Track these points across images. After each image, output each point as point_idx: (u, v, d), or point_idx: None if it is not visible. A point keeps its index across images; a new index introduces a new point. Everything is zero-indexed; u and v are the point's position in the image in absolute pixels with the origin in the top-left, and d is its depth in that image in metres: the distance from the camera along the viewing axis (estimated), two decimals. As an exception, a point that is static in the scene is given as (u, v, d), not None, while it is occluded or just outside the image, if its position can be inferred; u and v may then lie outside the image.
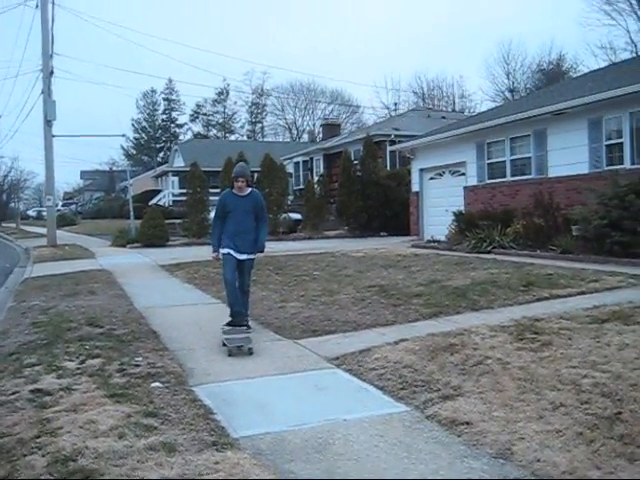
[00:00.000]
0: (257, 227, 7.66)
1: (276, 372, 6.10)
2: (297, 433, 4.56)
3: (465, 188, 19.22)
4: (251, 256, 7.70)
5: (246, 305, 7.79)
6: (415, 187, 21.81)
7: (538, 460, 3.87)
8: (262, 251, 7.78)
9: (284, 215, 25.90)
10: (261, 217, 7.74)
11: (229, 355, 6.73)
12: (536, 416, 4.47)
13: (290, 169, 36.89)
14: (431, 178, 21.18)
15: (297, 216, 26.71)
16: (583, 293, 8.68)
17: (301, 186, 33.73)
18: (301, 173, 38.21)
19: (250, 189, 7.75)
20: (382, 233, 24.20)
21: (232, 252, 7.53)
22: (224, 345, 6.97)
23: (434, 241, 18.70)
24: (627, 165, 14.09)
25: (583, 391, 4.81)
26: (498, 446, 4.13)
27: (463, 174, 19.47)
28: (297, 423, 4.75)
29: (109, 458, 3.99)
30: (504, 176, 17.81)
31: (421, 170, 21.49)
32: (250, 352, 6.80)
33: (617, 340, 6.00)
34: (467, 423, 4.50)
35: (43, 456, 4.05)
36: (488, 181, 18.40)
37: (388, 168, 28.21)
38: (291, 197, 31.46)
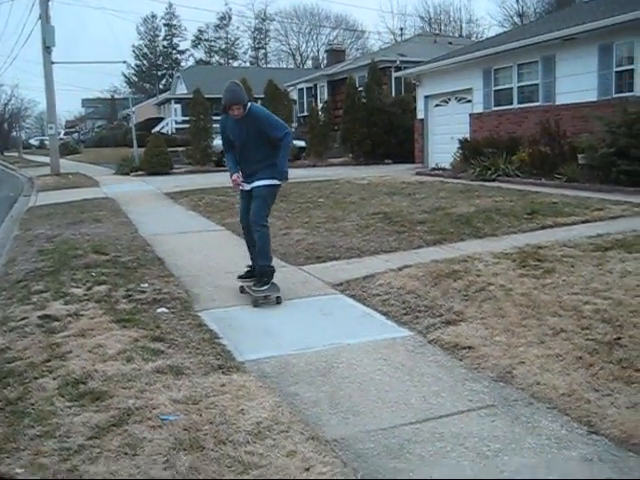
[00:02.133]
0: (275, 149, 6.16)
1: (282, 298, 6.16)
2: (301, 357, 4.65)
3: (471, 115, 18.99)
4: (261, 182, 6.19)
5: (255, 254, 6.43)
6: (420, 114, 21.54)
7: (538, 383, 3.96)
8: (284, 177, 6.23)
9: (289, 143, 25.67)
10: (275, 134, 6.12)
11: (255, 306, 5.97)
12: (537, 341, 4.54)
13: (294, 96, 36.40)
14: (437, 105, 20.90)
15: (301, 143, 26.47)
16: (587, 221, 8.67)
17: (305, 113, 33.35)
18: (305, 100, 37.68)
19: (248, 107, 6.10)
20: (387, 161, 24.02)
21: (244, 184, 6.35)
22: (242, 291, 6.36)
23: (439, 169, 18.59)
24: (637, 92, 13.85)
25: (584, 317, 4.86)
26: (499, 370, 4.21)
27: (469, 101, 19.21)
28: (302, 347, 4.83)
29: (118, 381, 4.08)
30: (511, 103, 17.57)
31: (426, 97, 21.19)
32: (278, 301, 6.04)
33: (619, 268, 6.03)
34: (469, 347, 4.57)
35: (54, 379, 4.14)
36: (494, 108, 18.16)
37: (393, 95, 27.78)
38: (295, 124, 31.16)
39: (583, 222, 8.62)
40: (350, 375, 4.31)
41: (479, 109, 18.67)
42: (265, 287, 6.10)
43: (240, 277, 6.54)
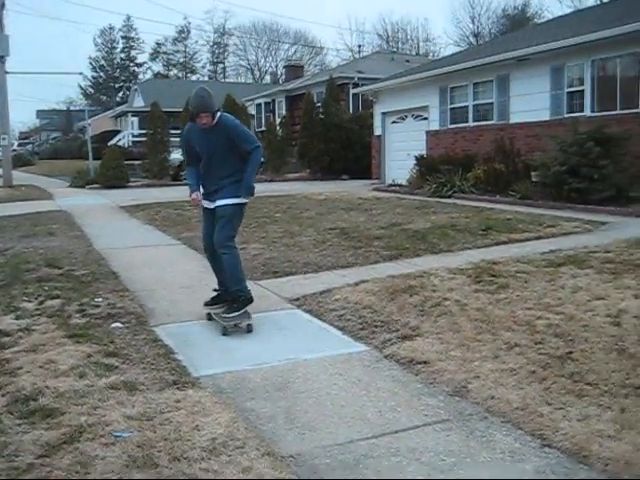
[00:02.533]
0: (243, 163, 5.64)
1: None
2: (258, 372, 4.62)
3: (427, 132, 19.22)
4: (226, 201, 5.63)
5: (223, 277, 5.89)
6: (377, 131, 21.73)
7: (492, 397, 4.00)
8: (250, 193, 5.69)
9: (246, 157, 25.64)
10: (245, 146, 5.63)
11: (223, 334, 5.49)
12: (491, 355, 4.60)
13: (252, 111, 36.36)
14: (393, 122, 21.11)
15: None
16: (540, 238, 8.83)
17: (263, 128, 33.30)
18: (263, 115, 37.67)
19: (218, 116, 5.59)
20: (344, 176, 24.16)
21: (205, 202, 5.86)
22: (209, 319, 5.85)
23: (395, 185, 18.76)
24: (587, 113, 14.21)
25: (537, 332, 4.94)
26: (454, 384, 4.25)
27: (425, 118, 19.44)
28: (258, 362, 4.81)
29: (70, 397, 4.00)
30: (466, 121, 17.84)
31: (384, 114, 21.38)
32: (249, 329, 5.57)
33: (571, 283, 6.15)
34: (425, 362, 4.60)
35: (3, 396, 4.04)
36: (450, 126, 18.42)
37: (351, 111, 27.99)
38: (253, 139, 31.04)
39: (536, 238, 8.78)
40: (306, 390, 4.30)
41: (435, 126, 18.91)
42: (235, 314, 5.57)
43: (207, 304, 5.95)
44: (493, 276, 6.54)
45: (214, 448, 3.42)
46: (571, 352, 4.49)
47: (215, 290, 6.03)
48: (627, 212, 10.97)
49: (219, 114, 5.61)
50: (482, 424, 3.74)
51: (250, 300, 5.72)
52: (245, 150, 5.65)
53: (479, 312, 5.48)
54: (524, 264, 7.02)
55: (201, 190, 5.85)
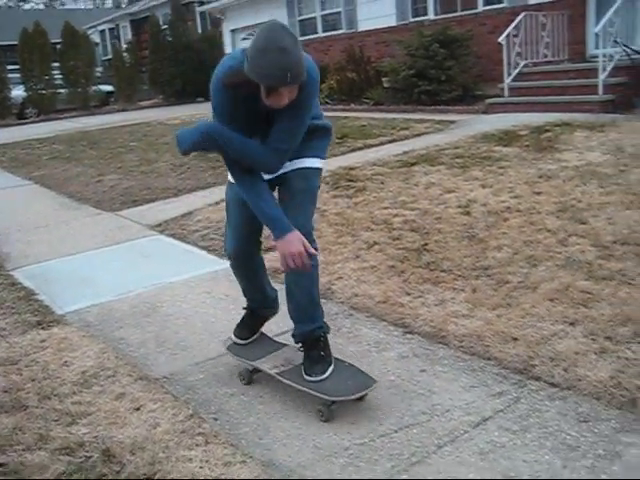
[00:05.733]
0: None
1: (98, 246, 5.96)
2: (124, 301, 4.56)
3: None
4: (306, 163, 3.02)
5: (265, 295, 3.55)
6: (228, 49, 21.24)
7: (356, 295, 4.16)
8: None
9: (94, 88, 24.46)
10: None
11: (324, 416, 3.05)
12: (353, 256, 4.75)
13: (96, 38, 34.43)
14: (244, 39, 20.65)
15: (108, 88, 25.29)
16: (394, 141, 9.06)
17: (109, 56, 31.73)
18: (108, 42, 35.81)
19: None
20: (199, 99, 23.53)
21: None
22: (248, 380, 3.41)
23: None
24: (431, 16, 14.49)
25: (394, 229, 5.15)
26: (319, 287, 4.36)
27: (275, 32, 19.13)
28: (123, 292, 4.73)
29: None
30: (316, 32, 17.75)
31: (232, 31, 20.91)
32: (361, 397, 3.03)
33: (424, 180, 6.40)
34: (289, 270, 4.68)
35: None
36: (301, 38, 18.19)
37: (200, 31, 27.11)
38: (100, 68, 29.57)
39: (390, 142, 9.01)
40: (175, 312, 4.30)
41: (289, 39, 18.68)
42: (325, 375, 3.05)
43: (240, 337, 3.53)
44: (350, 181, 6.69)
45: (85, 381, 3.38)
46: (426, 244, 4.72)
47: (245, 309, 3.61)
48: (473, 110, 11.42)
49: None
50: (348, 321, 3.89)
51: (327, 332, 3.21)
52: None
53: (339, 216, 5.62)
54: (380, 167, 7.21)
55: None
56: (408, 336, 3.62)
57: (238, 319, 4.06)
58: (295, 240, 2.80)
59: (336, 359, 3.14)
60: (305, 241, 2.83)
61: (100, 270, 5.34)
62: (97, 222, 6.81)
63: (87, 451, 2.80)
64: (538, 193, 5.59)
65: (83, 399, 3.21)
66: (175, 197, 7.43)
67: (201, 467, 2.65)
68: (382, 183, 6.50)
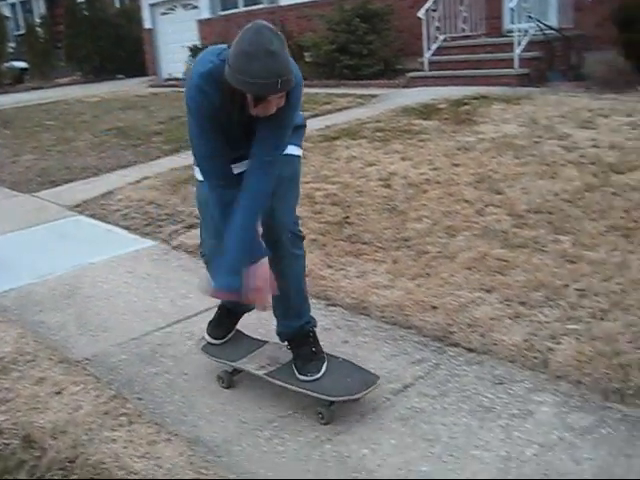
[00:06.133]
0: None
1: (15, 228, 5.77)
2: (44, 284, 4.45)
3: (199, 21, 18.63)
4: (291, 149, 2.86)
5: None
6: (147, 24, 20.69)
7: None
8: None
9: (7, 64, 23.52)
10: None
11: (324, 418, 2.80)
12: (275, 232, 4.76)
13: (6, 12, 33.05)
14: (163, 13, 20.18)
15: (22, 64, 24.33)
16: (317, 115, 9.06)
17: (22, 31, 30.52)
18: (20, 16, 34.40)
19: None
20: (119, 75, 22.94)
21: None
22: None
23: (173, 79, 18.18)
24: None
25: (316, 203, 5.17)
26: (242, 264, 4.36)
27: (196, 7, 18.78)
28: (42, 274, 4.62)
29: None
30: (236, 7, 17.48)
31: (152, 5, 20.33)
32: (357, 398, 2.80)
33: (346, 154, 6.45)
34: (212, 247, 4.66)
35: None
36: (221, 13, 17.97)
37: (118, 5, 26.34)
38: (12, 44, 28.42)
39: (313, 116, 8.98)
40: (96, 293, 4.23)
41: (206, 15, 18.35)
42: (320, 374, 2.85)
43: (216, 336, 3.23)
44: (273, 157, 6.66)
45: (3, 367, 3.31)
46: (348, 217, 4.77)
47: (220, 308, 3.28)
48: (395, 84, 11.51)
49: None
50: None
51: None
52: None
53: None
54: (302, 142, 7.21)
55: None
56: (330, 308, 3.67)
57: (162, 297, 4.05)
58: (261, 271, 2.58)
59: (328, 355, 2.94)
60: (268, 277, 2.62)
61: (17, 253, 5.19)
62: (14, 204, 6.60)
63: (6, 438, 2.75)
64: (456, 165, 5.71)
65: (2, 385, 3.14)
66: (95, 176, 7.25)
67: (125, 447, 2.64)
68: (304, 158, 6.48)
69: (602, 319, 3.18)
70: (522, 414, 2.66)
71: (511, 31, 10.54)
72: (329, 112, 9.23)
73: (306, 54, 13.76)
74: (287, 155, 2.76)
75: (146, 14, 20.64)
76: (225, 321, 3.23)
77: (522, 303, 3.40)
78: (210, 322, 3.27)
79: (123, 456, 2.58)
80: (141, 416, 2.85)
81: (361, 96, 10.29)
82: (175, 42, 19.44)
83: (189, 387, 3.09)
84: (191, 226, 5.12)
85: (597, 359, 2.87)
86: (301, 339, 2.94)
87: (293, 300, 2.92)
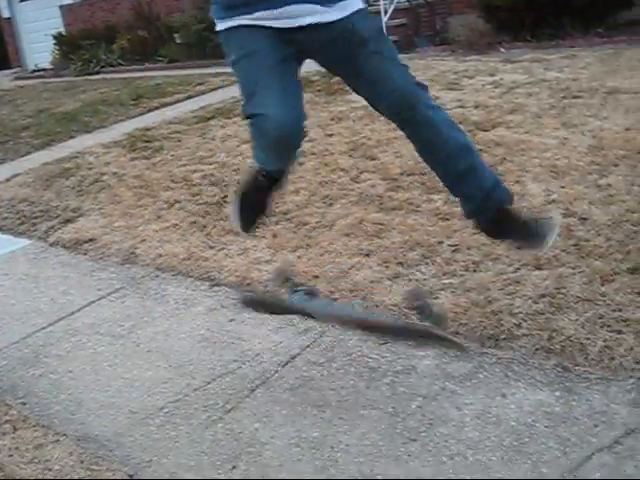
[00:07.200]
0: None
1: None
2: None
3: (62, 7, 17.87)
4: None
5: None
6: (5, 12, 19.65)
7: (160, 255, 4.12)
8: None
9: None
10: None
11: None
12: (154, 217, 4.68)
13: None
14: (22, 0, 19.24)
15: None
16: (191, 97, 8.92)
17: None
18: None
19: None
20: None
21: (263, 14, 2.24)
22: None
23: (40, 70, 17.39)
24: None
25: (194, 185, 5.12)
26: (123, 253, 4.28)
27: (55, -7, 18.01)
28: None
29: None
30: (98, -10, 16.90)
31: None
32: None
33: (221, 133, 6.39)
34: (91, 240, 4.56)
35: None
36: (81, -3, 17.32)
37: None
38: None
39: (187, 98, 8.85)
40: (-31, 300, 4.05)
41: (69, 0, 17.64)
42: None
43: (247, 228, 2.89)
44: (147, 142, 6.53)
45: None
46: (226, 196, 4.73)
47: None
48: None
49: None
50: (154, 282, 3.86)
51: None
52: None
53: (137, 179, 5.49)
54: (176, 124, 7.09)
55: None
56: (215, 289, 3.66)
57: (41, 297, 3.92)
58: None
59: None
60: None
61: None
62: None
63: None
64: (330, 135, 5.78)
65: None
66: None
67: (10, 455, 2.57)
68: (179, 141, 6.41)
69: (475, 271, 3.31)
70: (406, 370, 2.75)
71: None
72: (203, 93, 9.10)
73: (176, 35, 13.50)
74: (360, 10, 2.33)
75: (2, 2, 19.59)
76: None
77: (400, 264, 3.50)
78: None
79: (9, 464, 2.50)
80: (26, 421, 2.77)
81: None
82: (38, 30, 18.56)
83: (76, 385, 3.02)
84: (68, 221, 4.97)
85: (472, 309, 3.00)
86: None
87: (456, 153, 2.51)
